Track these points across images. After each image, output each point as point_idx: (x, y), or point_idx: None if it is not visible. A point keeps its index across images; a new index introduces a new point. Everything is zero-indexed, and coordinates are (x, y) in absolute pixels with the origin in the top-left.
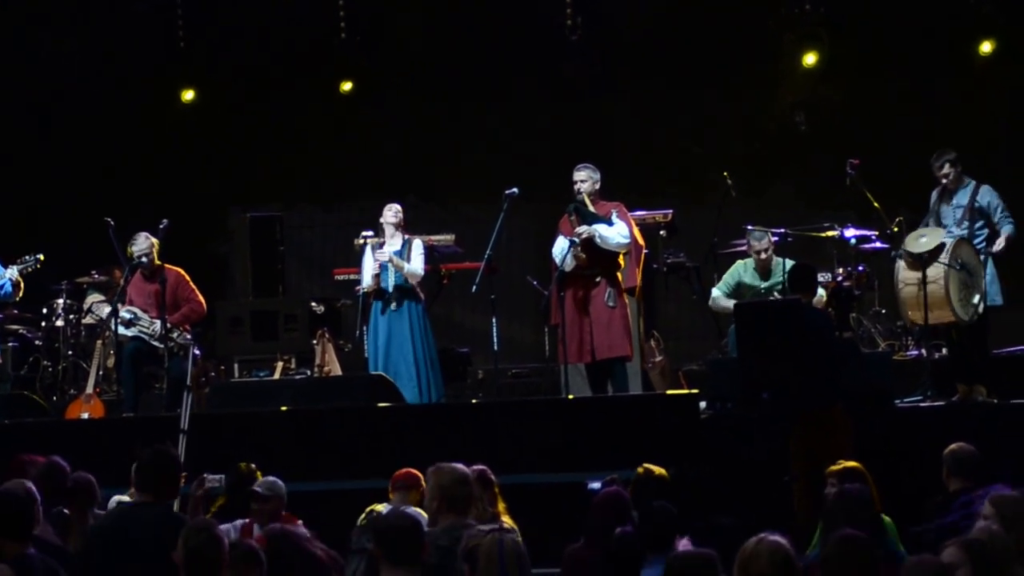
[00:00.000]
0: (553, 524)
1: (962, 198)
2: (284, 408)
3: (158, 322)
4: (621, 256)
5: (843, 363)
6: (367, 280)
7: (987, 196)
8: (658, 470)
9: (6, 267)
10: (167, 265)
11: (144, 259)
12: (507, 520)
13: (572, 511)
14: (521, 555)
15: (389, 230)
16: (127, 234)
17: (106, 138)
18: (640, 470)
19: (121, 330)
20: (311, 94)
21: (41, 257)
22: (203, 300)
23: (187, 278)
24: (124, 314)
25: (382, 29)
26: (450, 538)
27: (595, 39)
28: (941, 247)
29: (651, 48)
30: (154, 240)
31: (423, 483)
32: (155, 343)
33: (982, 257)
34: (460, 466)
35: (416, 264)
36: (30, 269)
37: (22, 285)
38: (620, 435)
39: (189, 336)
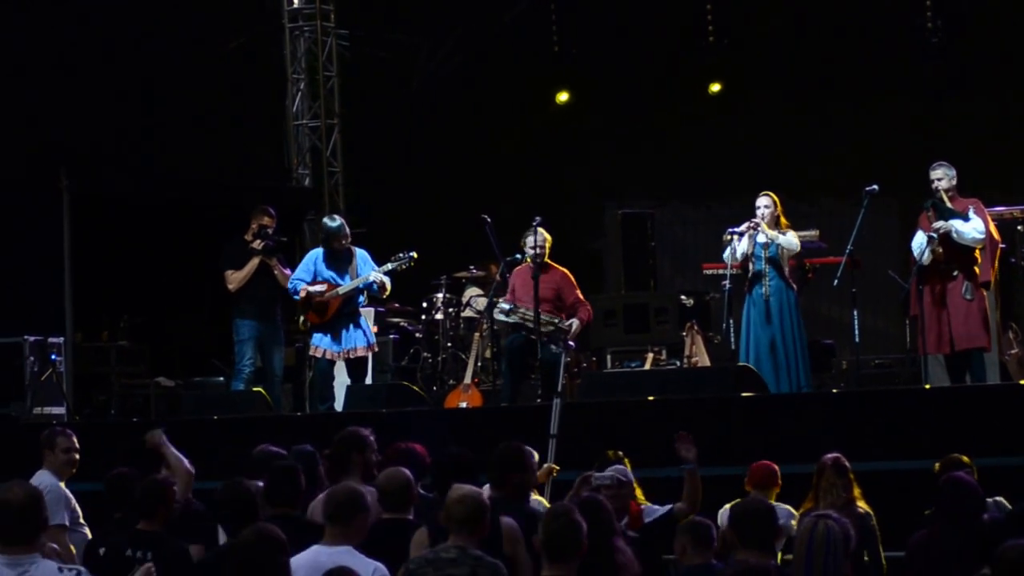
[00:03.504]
0: (908, 510)
1: None
2: (651, 398)
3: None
4: (977, 251)
5: None
6: (729, 256)
7: None
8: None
9: (380, 265)
10: (554, 264)
11: (537, 251)
12: (862, 505)
13: (925, 496)
14: (832, 540)
15: (763, 219)
16: (503, 231)
17: (484, 138)
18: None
19: (501, 318)
20: (680, 94)
21: (415, 255)
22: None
23: (572, 279)
24: (503, 305)
25: (748, 30)
26: (421, 560)
27: (954, 40)
28: None
29: (1009, 48)
30: (548, 236)
31: (779, 479)
32: (532, 336)
33: None
34: (476, 489)
35: (791, 238)
36: (403, 267)
37: (387, 285)
38: (978, 424)
39: (572, 344)
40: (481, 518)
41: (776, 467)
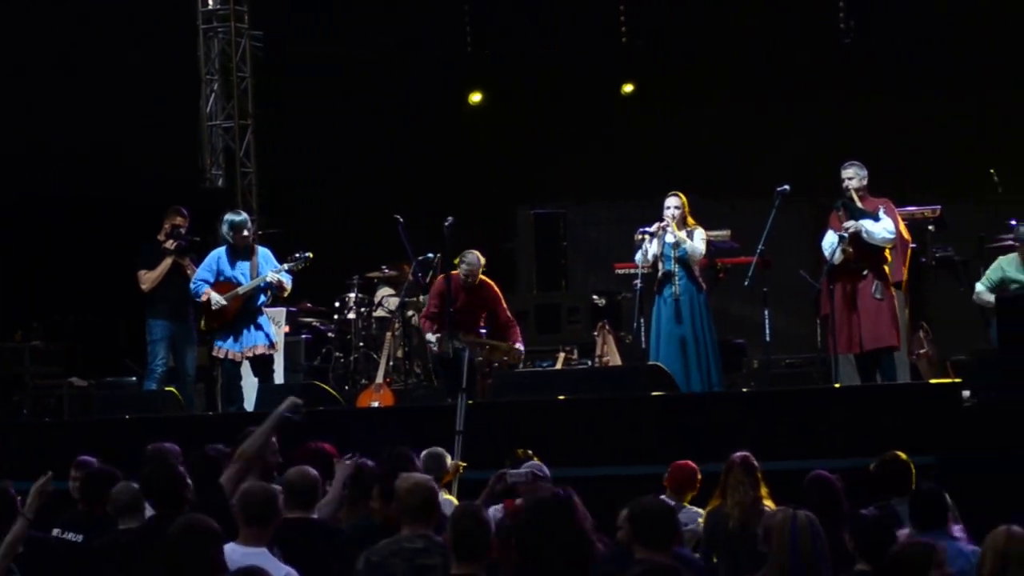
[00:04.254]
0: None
1: None
2: (561, 397)
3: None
4: (888, 250)
5: None
6: (640, 258)
7: None
8: (904, 456)
9: (281, 263)
10: (483, 278)
11: (470, 280)
12: (769, 504)
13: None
14: (815, 531)
15: (672, 219)
16: (416, 231)
17: (396, 138)
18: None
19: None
20: (593, 95)
21: (310, 255)
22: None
23: (500, 295)
24: (430, 337)
25: (660, 31)
26: (381, 552)
27: (867, 40)
28: None
29: (921, 48)
30: (482, 260)
31: (698, 482)
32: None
33: None
34: (424, 476)
35: (698, 242)
36: (299, 267)
37: (286, 285)
38: (886, 423)
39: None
40: (435, 505)
41: (697, 469)
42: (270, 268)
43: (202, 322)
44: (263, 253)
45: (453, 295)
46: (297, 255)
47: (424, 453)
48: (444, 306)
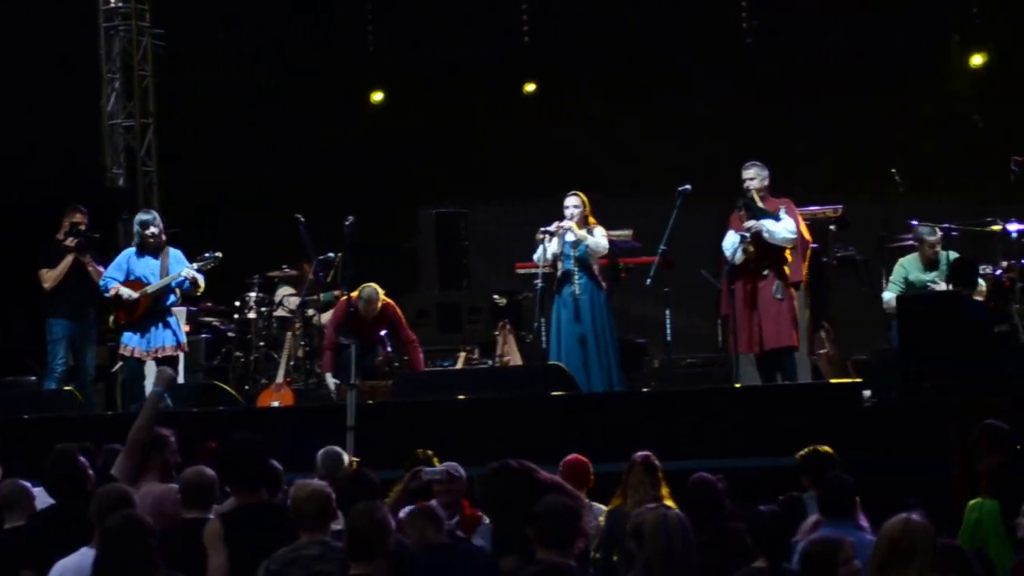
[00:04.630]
0: None
1: None
2: (461, 397)
3: None
4: (788, 250)
5: (1002, 353)
6: (540, 256)
7: None
8: (825, 448)
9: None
10: (387, 301)
11: (373, 315)
12: (670, 504)
13: (734, 496)
14: (686, 529)
15: (572, 219)
16: (317, 230)
17: (299, 137)
18: (808, 450)
19: None
20: (496, 95)
21: (219, 255)
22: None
23: (400, 313)
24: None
25: (563, 30)
26: (280, 560)
27: (771, 41)
28: None
29: (823, 48)
30: (383, 299)
31: (591, 475)
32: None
33: None
34: (321, 483)
35: (599, 238)
36: (209, 266)
37: (199, 282)
38: (787, 423)
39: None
40: (331, 511)
41: (588, 463)
42: (182, 267)
43: (111, 319)
44: (174, 254)
45: (355, 327)
46: (207, 255)
47: (321, 452)
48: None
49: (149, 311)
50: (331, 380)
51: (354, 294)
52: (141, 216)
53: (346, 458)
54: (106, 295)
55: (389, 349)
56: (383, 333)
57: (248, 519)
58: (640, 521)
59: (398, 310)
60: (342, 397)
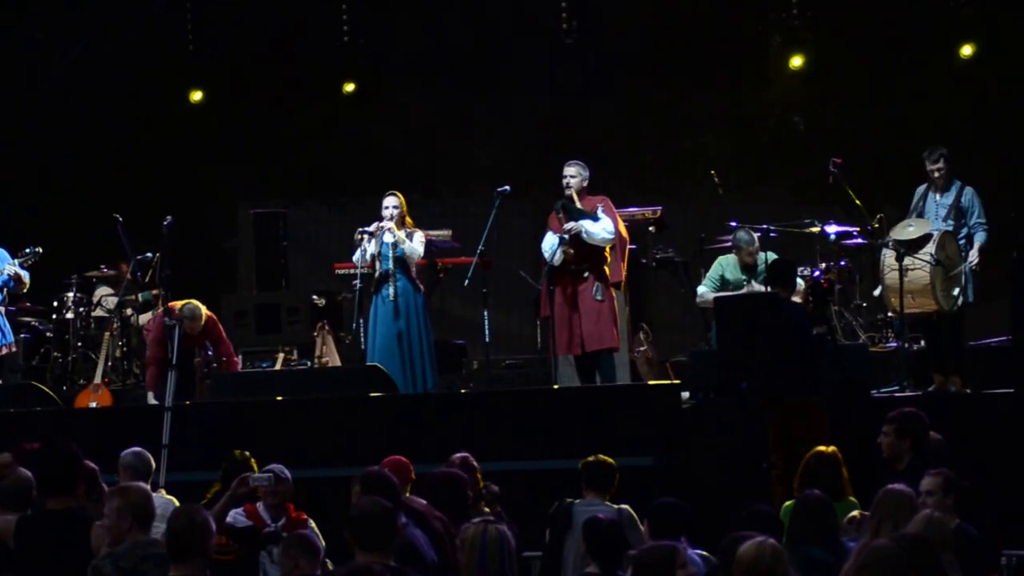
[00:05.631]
0: (539, 510)
1: (948, 197)
2: (279, 398)
3: None
4: (607, 250)
5: (819, 355)
6: (359, 257)
7: (970, 198)
8: (608, 459)
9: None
10: (209, 314)
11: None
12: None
13: (557, 496)
14: (504, 544)
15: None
16: (135, 230)
17: (116, 136)
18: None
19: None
20: (315, 94)
21: (40, 250)
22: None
23: (219, 325)
24: None
25: (382, 30)
26: (134, 558)
27: (589, 39)
28: (928, 237)
29: (643, 49)
30: (204, 314)
31: (412, 473)
32: None
33: (963, 254)
34: (143, 484)
35: (416, 244)
36: (30, 262)
37: (24, 279)
38: (605, 423)
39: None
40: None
41: (409, 463)
42: (4, 264)
43: None
44: None
45: (178, 344)
46: (27, 250)
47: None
48: (164, 353)
49: None
50: (152, 399)
51: (176, 304)
52: None
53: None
54: None
55: (209, 352)
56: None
57: (47, 522)
58: (463, 536)
59: (219, 325)
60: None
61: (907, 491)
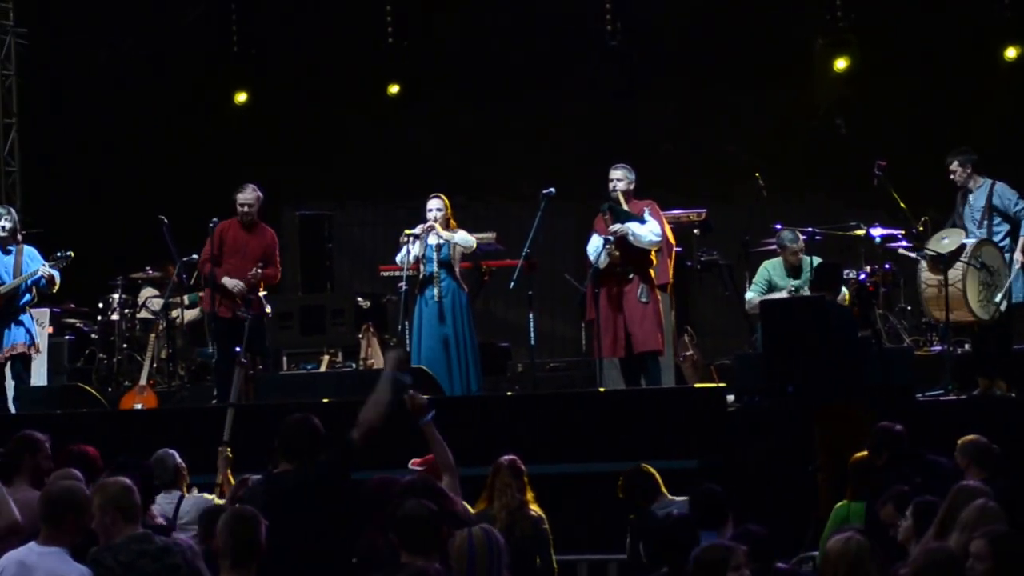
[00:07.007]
0: (584, 513)
1: (979, 198)
2: (325, 400)
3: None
4: (653, 253)
5: (864, 358)
6: (403, 258)
7: (1002, 193)
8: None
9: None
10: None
11: (246, 208)
12: (535, 508)
13: (602, 500)
14: (493, 547)
15: (435, 221)
16: (180, 232)
17: (161, 138)
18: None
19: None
20: (360, 96)
21: (71, 254)
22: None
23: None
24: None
25: (427, 33)
26: (131, 552)
27: (634, 43)
28: (962, 248)
29: (688, 52)
30: (259, 194)
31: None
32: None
33: (1006, 255)
34: (124, 478)
35: (467, 235)
36: (62, 265)
37: (56, 279)
38: (651, 427)
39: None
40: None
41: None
42: (37, 265)
43: None
44: (28, 252)
45: (226, 237)
46: (59, 254)
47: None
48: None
49: (3, 311)
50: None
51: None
52: None
53: (178, 458)
54: None
55: (244, 360)
56: (237, 349)
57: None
58: (451, 547)
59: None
60: None
61: (983, 489)
